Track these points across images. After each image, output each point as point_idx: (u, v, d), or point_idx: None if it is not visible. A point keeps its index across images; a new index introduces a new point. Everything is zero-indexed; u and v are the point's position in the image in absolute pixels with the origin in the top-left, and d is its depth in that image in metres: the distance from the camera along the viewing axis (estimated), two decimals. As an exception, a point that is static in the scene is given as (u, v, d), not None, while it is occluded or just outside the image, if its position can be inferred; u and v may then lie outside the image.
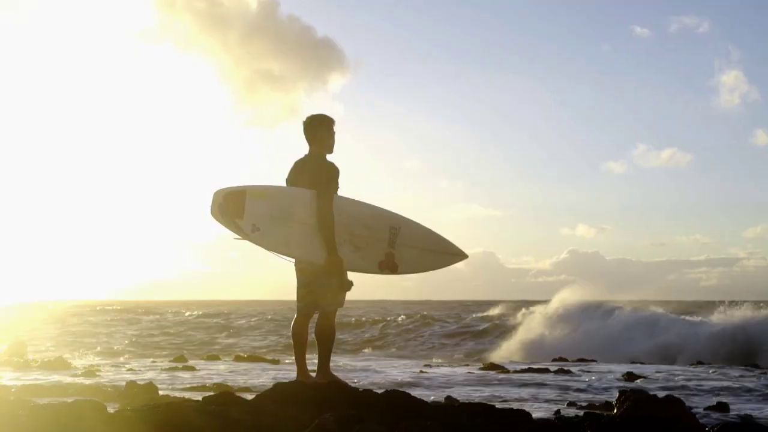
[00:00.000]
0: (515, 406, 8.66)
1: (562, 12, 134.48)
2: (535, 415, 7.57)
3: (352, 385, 6.91)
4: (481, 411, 6.21)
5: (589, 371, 14.11)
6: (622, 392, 8.09)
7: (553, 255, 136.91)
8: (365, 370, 13.88)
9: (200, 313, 47.83)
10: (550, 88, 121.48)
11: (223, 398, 5.60)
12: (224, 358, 17.17)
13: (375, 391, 6.63)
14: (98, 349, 21.89)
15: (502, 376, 12.97)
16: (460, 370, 14.06)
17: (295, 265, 6.31)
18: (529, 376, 12.97)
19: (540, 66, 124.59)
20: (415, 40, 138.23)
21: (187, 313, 47.92)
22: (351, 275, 6.26)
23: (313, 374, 6.37)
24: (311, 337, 6.42)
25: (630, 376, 12.38)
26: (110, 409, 5.41)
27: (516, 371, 14.05)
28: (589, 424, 5.67)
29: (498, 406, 8.26)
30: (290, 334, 6.50)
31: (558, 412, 7.77)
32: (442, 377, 12.38)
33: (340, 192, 6.37)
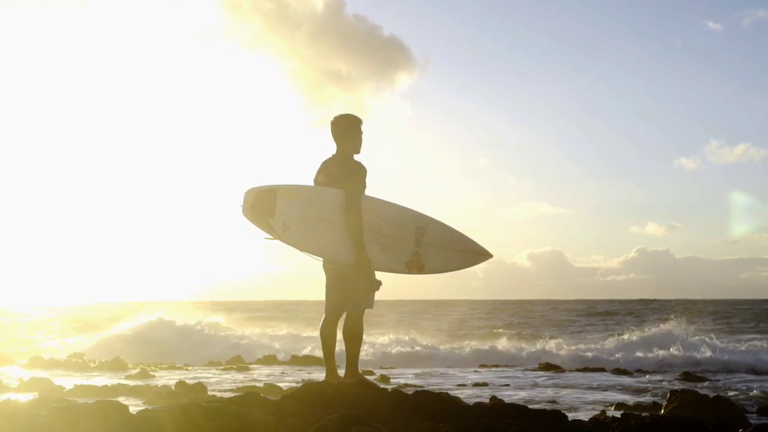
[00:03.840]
0: (564, 406, 8.53)
1: (633, 8, 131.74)
2: (580, 415, 7.42)
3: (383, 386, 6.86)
4: (515, 411, 6.10)
5: (645, 372, 13.84)
6: (673, 392, 7.87)
7: (621, 254, 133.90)
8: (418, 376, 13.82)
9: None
10: (621, 84, 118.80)
11: (247, 399, 5.61)
12: (281, 359, 17.28)
13: (404, 391, 6.57)
14: (157, 349, 22.18)
15: (556, 376, 12.78)
16: (513, 372, 13.92)
17: (324, 265, 6.27)
18: (584, 376, 12.77)
19: (611, 63, 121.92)
20: (483, 39, 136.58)
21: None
22: (379, 275, 6.21)
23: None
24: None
25: (687, 376, 12.10)
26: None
27: (572, 371, 13.87)
28: (618, 425, 5.51)
29: (546, 406, 8.14)
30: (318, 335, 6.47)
31: (603, 412, 7.59)
32: (494, 377, 12.27)
33: (369, 191, 6.32)
